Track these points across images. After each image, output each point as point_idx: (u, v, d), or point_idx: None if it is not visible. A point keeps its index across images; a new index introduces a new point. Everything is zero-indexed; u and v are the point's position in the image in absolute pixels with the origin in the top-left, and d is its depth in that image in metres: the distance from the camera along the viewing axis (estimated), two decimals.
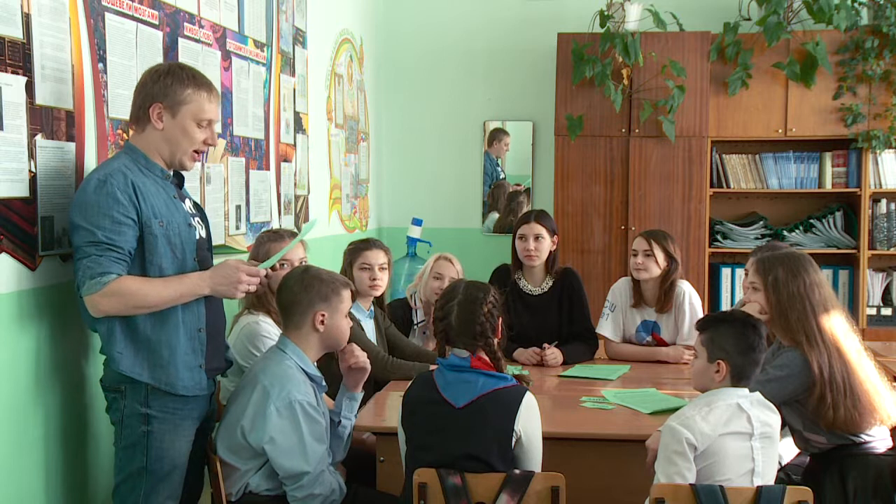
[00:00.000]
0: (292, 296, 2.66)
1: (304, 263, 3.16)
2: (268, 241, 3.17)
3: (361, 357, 2.79)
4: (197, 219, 2.56)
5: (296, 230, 3.33)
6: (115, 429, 2.44)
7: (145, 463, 2.40)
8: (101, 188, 2.29)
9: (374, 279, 3.55)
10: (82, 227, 2.28)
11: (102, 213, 2.28)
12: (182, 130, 2.44)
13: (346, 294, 2.73)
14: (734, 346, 2.42)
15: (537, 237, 3.87)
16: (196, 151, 2.51)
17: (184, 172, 2.59)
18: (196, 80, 2.46)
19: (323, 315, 2.65)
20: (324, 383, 2.71)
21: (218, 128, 2.79)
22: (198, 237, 2.52)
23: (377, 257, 3.58)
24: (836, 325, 2.81)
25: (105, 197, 2.29)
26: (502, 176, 6.25)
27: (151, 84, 2.42)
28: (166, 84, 2.41)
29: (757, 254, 3.28)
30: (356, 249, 3.62)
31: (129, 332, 2.36)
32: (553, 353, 3.73)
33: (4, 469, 2.26)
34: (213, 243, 2.71)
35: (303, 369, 2.62)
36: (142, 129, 2.44)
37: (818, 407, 2.72)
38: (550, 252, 3.93)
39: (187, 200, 2.57)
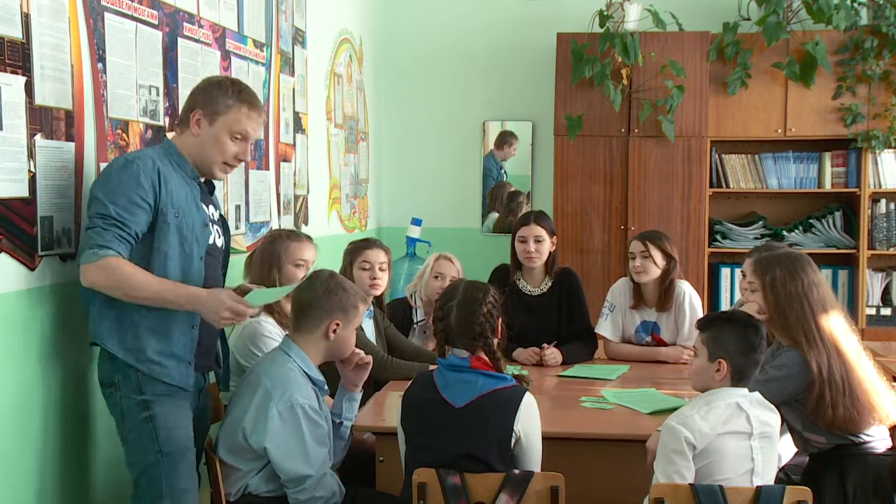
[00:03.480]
0: (314, 299, 2.66)
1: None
2: (287, 239, 3.17)
3: (362, 353, 2.80)
4: (217, 227, 2.58)
5: (306, 233, 3.35)
6: (118, 425, 2.44)
7: (158, 447, 2.39)
8: (126, 168, 2.34)
9: (375, 278, 3.56)
10: (98, 198, 2.32)
11: (120, 190, 2.31)
12: (214, 139, 2.48)
13: (362, 309, 2.76)
14: (735, 346, 2.42)
15: (537, 239, 3.87)
16: (226, 164, 2.53)
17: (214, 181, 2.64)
18: (241, 94, 2.51)
19: (338, 325, 2.65)
20: (326, 387, 2.72)
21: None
22: (212, 241, 2.53)
23: (377, 256, 3.59)
24: (835, 324, 2.80)
25: (127, 176, 2.33)
26: (506, 179, 6.24)
27: (199, 91, 2.50)
28: (211, 93, 2.48)
29: (754, 254, 3.28)
30: (356, 249, 3.62)
31: (118, 316, 2.36)
32: (552, 353, 3.73)
33: (3, 469, 2.26)
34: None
35: (305, 373, 2.62)
36: (181, 130, 2.51)
37: (817, 406, 2.72)
38: (550, 253, 3.93)
39: (212, 207, 2.59)
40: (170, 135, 2.69)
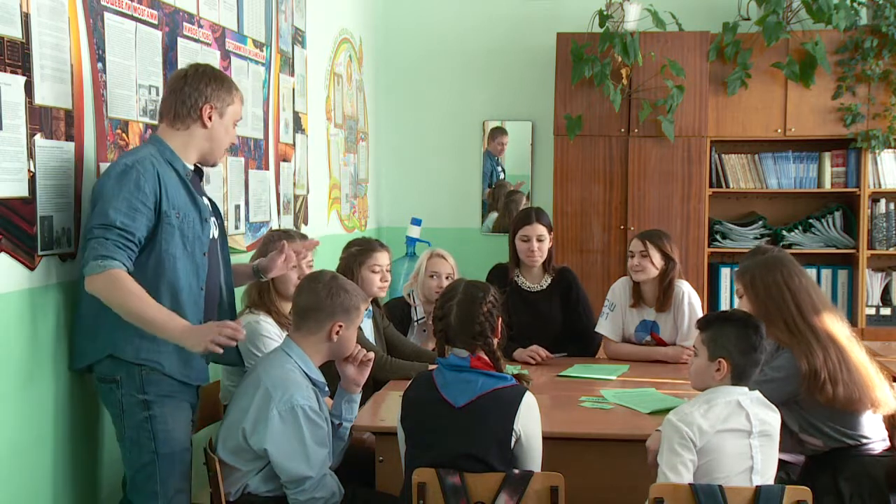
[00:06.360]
0: (316, 302, 2.66)
1: (310, 265, 3.17)
2: (278, 240, 3.17)
3: (364, 350, 2.80)
4: (213, 219, 2.64)
5: (302, 233, 3.36)
6: (116, 421, 2.47)
7: (155, 447, 2.44)
8: (126, 174, 2.37)
9: (385, 281, 3.59)
10: (99, 207, 2.34)
11: (121, 197, 2.34)
12: (225, 130, 2.62)
13: (363, 309, 2.77)
14: (736, 345, 2.42)
15: (539, 238, 3.89)
16: (225, 150, 2.70)
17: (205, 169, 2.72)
18: (235, 85, 2.66)
19: (341, 326, 2.66)
20: (326, 388, 2.72)
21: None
22: (211, 236, 2.60)
23: (385, 259, 3.61)
24: (824, 314, 2.81)
25: (127, 182, 2.36)
26: (502, 175, 6.24)
27: (204, 86, 2.55)
28: (218, 87, 2.58)
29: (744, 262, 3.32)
30: (365, 251, 3.59)
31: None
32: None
33: (6, 468, 2.26)
34: None
35: (306, 373, 2.62)
36: (185, 126, 2.55)
37: (814, 381, 2.70)
38: (548, 249, 3.95)
39: (205, 198, 2.65)
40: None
